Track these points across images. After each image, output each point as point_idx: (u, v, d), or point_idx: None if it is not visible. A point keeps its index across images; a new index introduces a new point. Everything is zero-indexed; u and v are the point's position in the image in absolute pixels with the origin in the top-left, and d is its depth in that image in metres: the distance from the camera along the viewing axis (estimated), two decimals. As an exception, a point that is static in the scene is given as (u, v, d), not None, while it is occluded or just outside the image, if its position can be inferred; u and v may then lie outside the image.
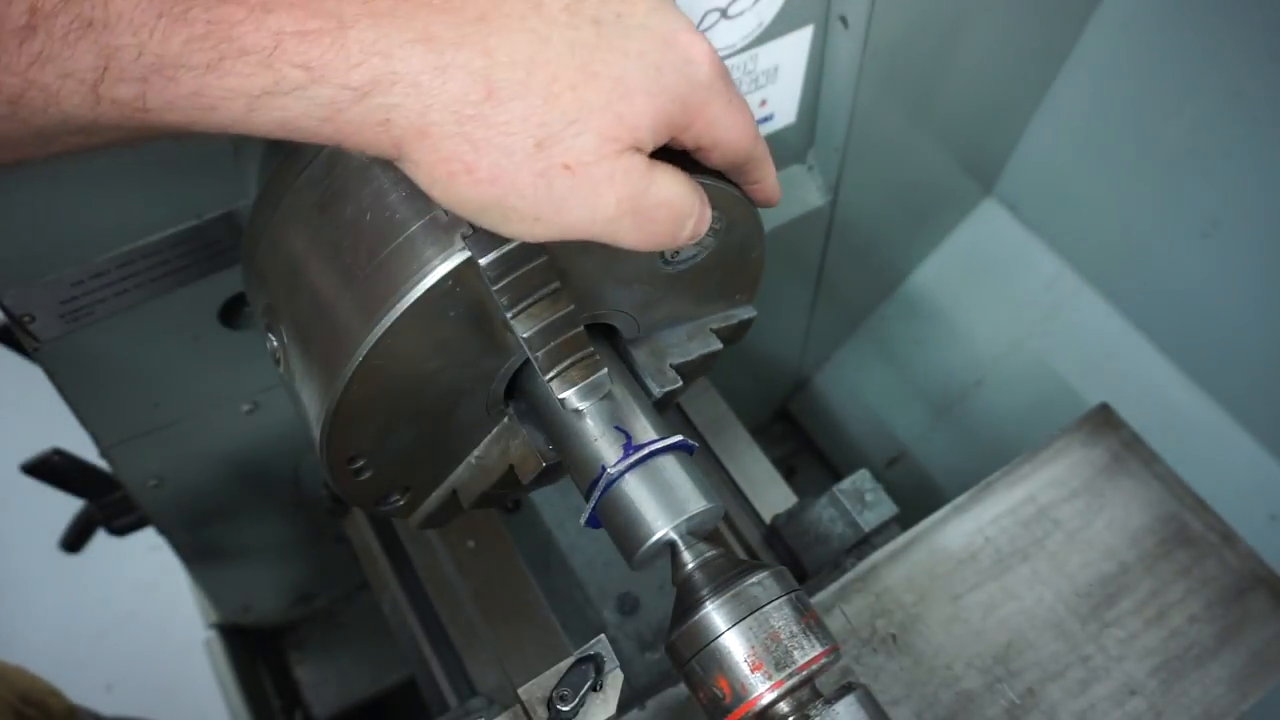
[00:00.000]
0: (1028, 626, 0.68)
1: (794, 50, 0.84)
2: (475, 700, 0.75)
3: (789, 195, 1.00)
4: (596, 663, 0.50)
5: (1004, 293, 1.21)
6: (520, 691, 0.49)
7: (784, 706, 0.47)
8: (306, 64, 0.37)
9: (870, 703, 0.48)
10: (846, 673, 0.65)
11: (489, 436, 0.58)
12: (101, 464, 0.93)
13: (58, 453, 0.96)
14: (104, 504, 1.01)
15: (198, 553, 1.09)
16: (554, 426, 0.54)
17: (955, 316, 1.25)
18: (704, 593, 0.49)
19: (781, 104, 0.90)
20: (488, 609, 0.82)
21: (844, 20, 0.83)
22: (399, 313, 0.46)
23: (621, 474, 0.50)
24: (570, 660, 0.50)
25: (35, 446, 0.96)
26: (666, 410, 0.64)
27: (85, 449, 0.90)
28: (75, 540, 1.05)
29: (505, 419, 0.57)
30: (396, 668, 1.30)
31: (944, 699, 0.65)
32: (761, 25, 0.79)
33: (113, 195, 0.65)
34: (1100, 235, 1.12)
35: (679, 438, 0.52)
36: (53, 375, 0.75)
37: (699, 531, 0.51)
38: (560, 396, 0.50)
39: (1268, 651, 0.67)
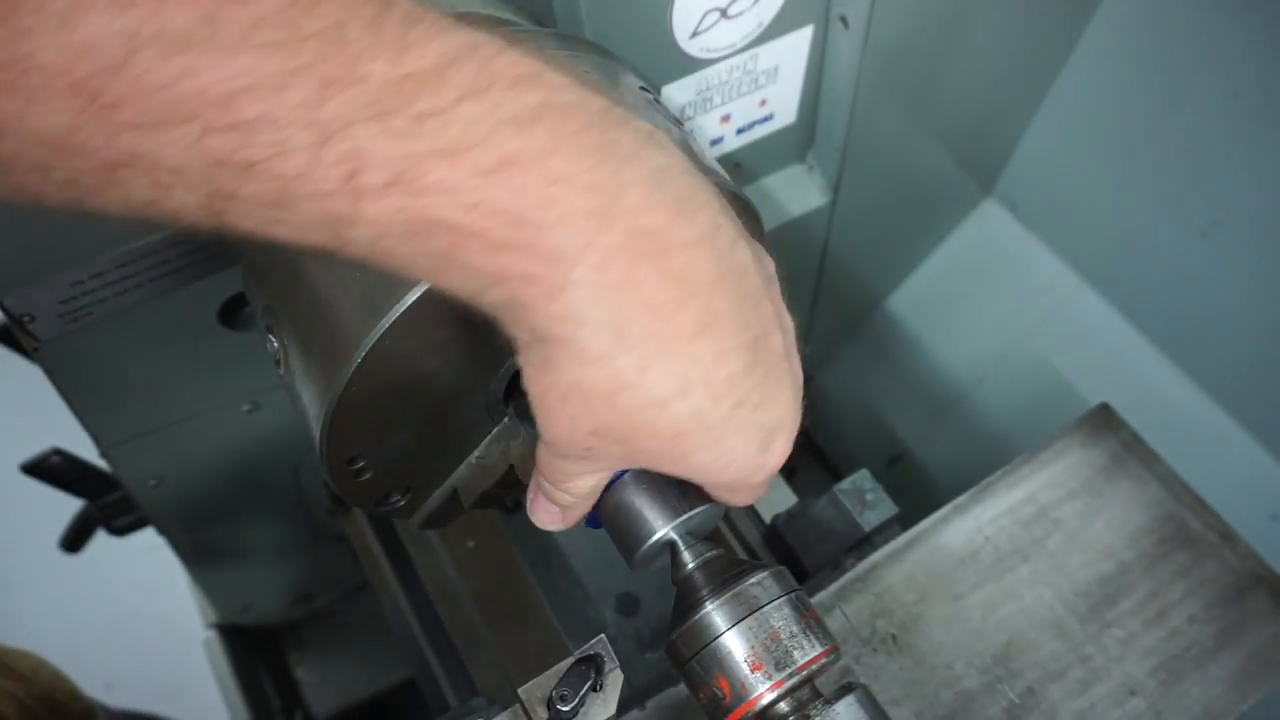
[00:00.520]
0: (1028, 626, 0.68)
1: (794, 50, 0.84)
2: (475, 700, 0.75)
3: (789, 195, 1.00)
4: (596, 663, 0.49)
5: (1004, 293, 1.21)
6: (520, 691, 0.49)
7: (784, 706, 0.47)
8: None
9: (870, 703, 0.48)
10: (846, 673, 0.65)
11: (489, 436, 0.58)
12: (101, 464, 0.93)
13: (58, 453, 0.96)
14: (104, 504, 1.01)
15: (197, 553, 1.09)
16: (554, 426, 0.54)
17: (955, 316, 1.25)
18: (704, 593, 0.49)
19: (781, 104, 0.90)
20: (488, 609, 0.83)
21: (844, 20, 0.83)
22: (399, 313, 0.46)
23: (621, 474, 0.50)
24: (570, 660, 0.50)
25: (35, 446, 0.96)
26: (666, 410, 0.64)
27: (85, 449, 0.90)
28: (75, 540, 1.05)
29: (505, 419, 0.57)
30: (396, 668, 1.30)
31: (944, 699, 0.65)
32: (761, 25, 0.79)
33: (113, 195, 0.65)
34: (1100, 235, 1.12)
35: (679, 438, 0.52)
36: (53, 375, 0.75)
37: (699, 531, 0.51)
38: (560, 396, 0.50)
39: (1267, 651, 0.67)
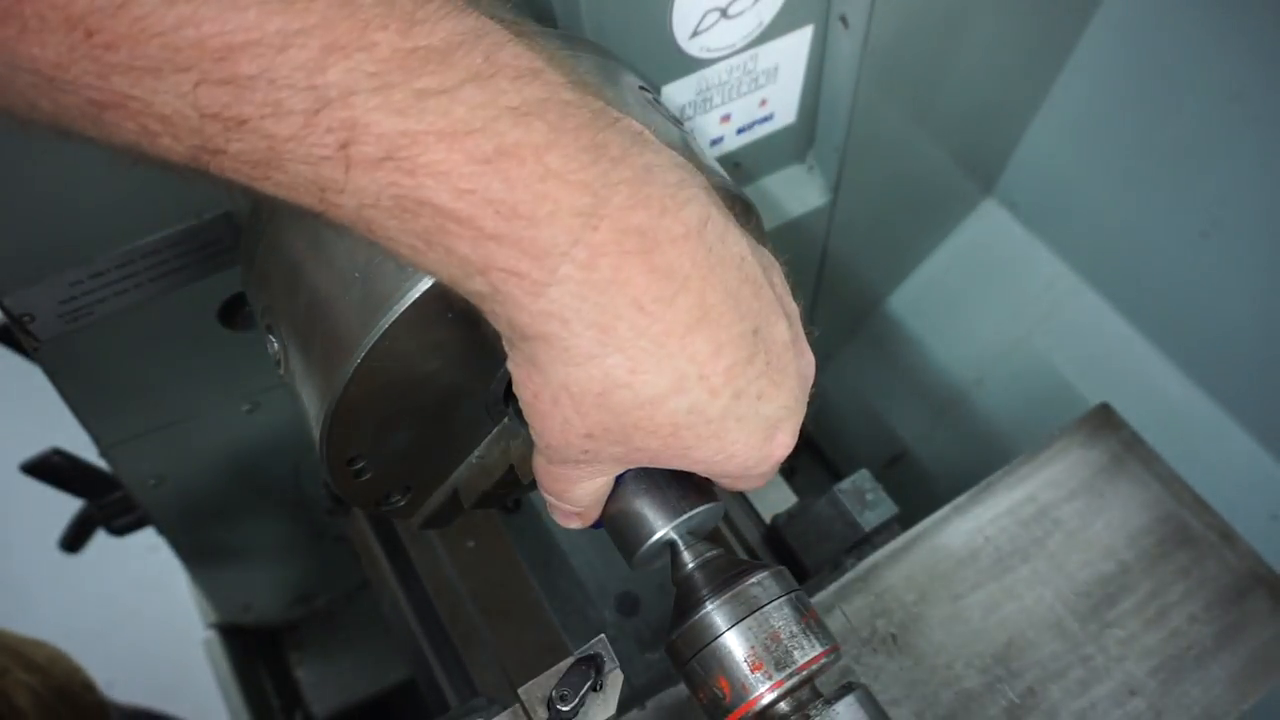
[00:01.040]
0: (1028, 626, 0.68)
1: (794, 50, 0.84)
2: (475, 700, 0.75)
3: (789, 195, 1.00)
4: (596, 663, 0.49)
5: (1004, 292, 1.21)
6: (520, 691, 0.49)
7: (784, 706, 0.47)
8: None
9: (870, 703, 0.48)
10: (846, 673, 0.65)
11: (489, 436, 0.58)
12: (101, 464, 0.93)
13: (58, 453, 0.96)
14: (104, 504, 1.01)
15: (197, 553, 1.09)
16: (554, 426, 0.54)
17: (955, 316, 1.25)
18: (704, 593, 0.49)
19: (781, 104, 0.90)
20: (488, 609, 0.82)
21: (844, 20, 0.83)
22: (398, 313, 0.46)
23: (621, 474, 0.50)
24: (570, 660, 0.50)
25: (35, 446, 0.96)
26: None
27: (85, 449, 0.90)
28: (75, 540, 1.05)
29: (505, 419, 0.57)
30: (396, 668, 1.30)
31: (944, 699, 0.65)
32: (761, 25, 0.79)
33: (112, 195, 0.65)
34: (1100, 235, 1.12)
35: (679, 438, 0.52)
36: (53, 375, 0.75)
37: (699, 531, 0.51)
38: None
39: (1267, 651, 0.67)
